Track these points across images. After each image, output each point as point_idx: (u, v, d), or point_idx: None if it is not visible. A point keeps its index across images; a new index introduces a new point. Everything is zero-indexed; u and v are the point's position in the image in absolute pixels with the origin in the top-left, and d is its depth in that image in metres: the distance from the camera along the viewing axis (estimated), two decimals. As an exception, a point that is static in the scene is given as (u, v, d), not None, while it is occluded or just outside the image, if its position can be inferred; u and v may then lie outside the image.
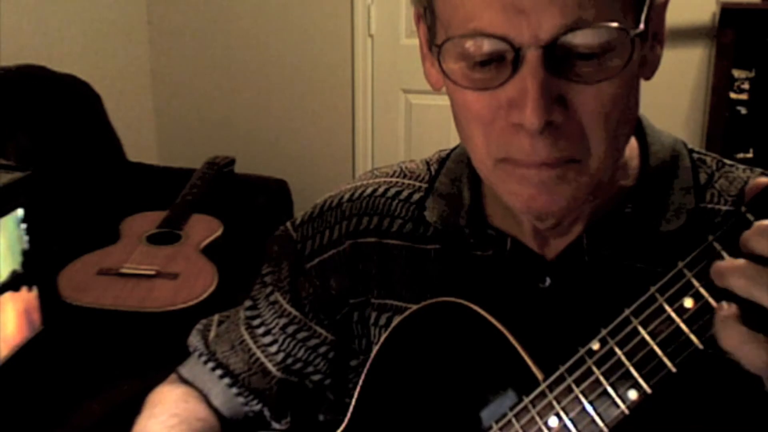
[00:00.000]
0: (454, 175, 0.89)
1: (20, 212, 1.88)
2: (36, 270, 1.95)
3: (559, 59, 0.66)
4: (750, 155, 2.88)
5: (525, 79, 0.66)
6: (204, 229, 2.62)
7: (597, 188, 0.74)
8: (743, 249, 0.57)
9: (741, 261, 0.57)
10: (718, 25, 2.88)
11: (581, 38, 0.65)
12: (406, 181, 0.92)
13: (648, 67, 0.74)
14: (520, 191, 0.72)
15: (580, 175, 0.71)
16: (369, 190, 0.93)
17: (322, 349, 0.95)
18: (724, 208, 0.79)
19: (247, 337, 0.97)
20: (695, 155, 0.84)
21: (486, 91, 0.69)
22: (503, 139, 0.70)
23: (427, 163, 0.94)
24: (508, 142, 0.70)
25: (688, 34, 3.00)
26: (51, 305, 2.04)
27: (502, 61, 0.67)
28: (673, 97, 3.05)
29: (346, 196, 0.94)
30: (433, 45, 0.73)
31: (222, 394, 0.98)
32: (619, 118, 0.70)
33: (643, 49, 0.71)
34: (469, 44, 0.68)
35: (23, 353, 1.90)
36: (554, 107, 0.67)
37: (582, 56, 0.66)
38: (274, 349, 0.96)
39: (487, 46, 0.67)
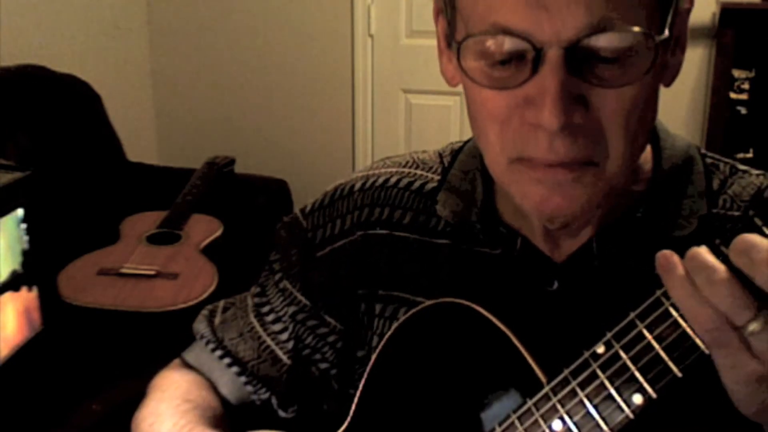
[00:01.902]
0: (467, 169, 0.88)
1: (20, 212, 1.88)
2: (36, 270, 1.95)
3: (580, 61, 0.65)
4: (750, 155, 2.88)
5: (545, 79, 0.65)
6: (204, 229, 2.62)
7: (609, 192, 0.73)
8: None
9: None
10: (718, 25, 2.88)
11: (604, 41, 0.64)
12: (419, 172, 0.92)
13: (668, 73, 0.73)
14: (533, 192, 0.71)
15: (596, 179, 0.70)
16: (381, 180, 0.93)
17: (331, 338, 0.95)
18: (736, 214, 0.78)
19: (256, 324, 0.97)
20: (708, 160, 0.83)
21: (504, 90, 0.68)
22: (519, 138, 0.69)
23: (440, 155, 0.93)
24: (524, 141, 0.69)
25: (688, 34, 3.00)
26: (51, 305, 2.04)
27: (522, 60, 0.66)
28: (673, 97, 3.05)
29: (358, 185, 0.93)
30: (453, 41, 0.72)
31: (231, 383, 0.97)
32: (638, 123, 0.69)
33: (664, 55, 0.70)
34: (490, 42, 0.66)
35: (23, 353, 1.90)
36: (574, 108, 0.66)
37: (604, 59, 0.65)
38: (284, 336, 0.95)
39: (507, 44, 0.66)
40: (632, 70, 0.66)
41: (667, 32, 0.68)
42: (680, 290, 0.59)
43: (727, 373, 0.60)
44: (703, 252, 0.58)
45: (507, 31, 0.65)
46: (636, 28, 0.64)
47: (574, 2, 0.62)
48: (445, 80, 0.80)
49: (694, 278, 0.58)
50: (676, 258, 0.59)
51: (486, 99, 0.70)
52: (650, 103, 0.71)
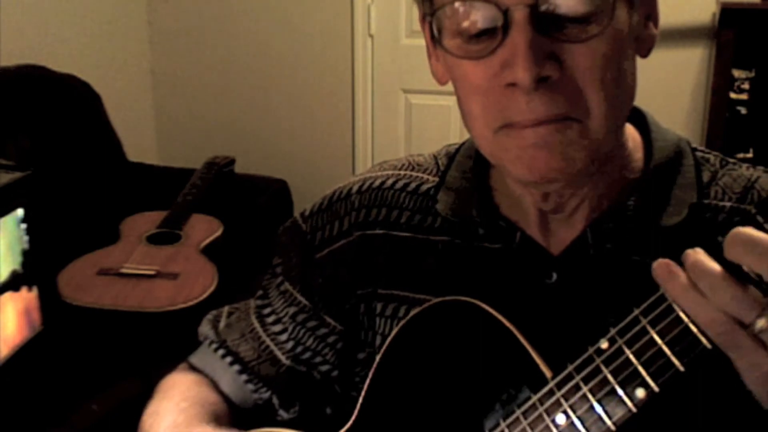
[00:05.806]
0: (465, 169, 0.89)
1: (20, 212, 1.88)
2: (36, 270, 1.95)
3: (546, 19, 0.69)
4: (750, 155, 2.89)
5: (514, 39, 0.69)
6: (204, 229, 2.62)
7: (601, 169, 0.75)
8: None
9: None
10: (718, 25, 2.88)
11: None
12: (415, 174, 0.93)
13: (643, 45, 0.77)
14: (522, 155, 0.73)
15: (581, 137, 0.72)
16: (378, 182, 0.94)
17: (331, 339, 0.96)
18: (728, 204, 0.80)
19: (257, 325, 0.98)
20: (698, 154, 0.85)
21: (481, 60, 0.72)
22: (500, 104, 0.72)
23: (435, 158, 0.95)
24: (505, 107, 0.72)
25: (688, 34, 3.00)
26: (51, 305, 2.04)
27: (495, 33, 0.70)
28: (673, 97, 3.06)
29: (355, 188, 0.95)
30: (432, 31, 0.76)
31: (232, 381, 0.99)
32: (614, 81, 0.72)
33: (633, 22, 0.73)
34: (461, 13, 0.71)
35: (23, 353, 1.90)
36: (546, 62, 0.69)
37: (570, 18, 0.69)
38: (284, 337, 0.97)
39: (478, 16, 0.70)
40: (596, 24, 0.69)
41: None
42: (686, 298, 0.60)
43: (747, 374, 0.60)
44: (703, 258, 0.59)
45: None
46: None
47: None
48: (435, 79, 0.84)
49: (698, 285, 0.59)
50: (674, 267, 0.60)
51: (466, 72, 0.74)
52: (625, 64, 0.73)
